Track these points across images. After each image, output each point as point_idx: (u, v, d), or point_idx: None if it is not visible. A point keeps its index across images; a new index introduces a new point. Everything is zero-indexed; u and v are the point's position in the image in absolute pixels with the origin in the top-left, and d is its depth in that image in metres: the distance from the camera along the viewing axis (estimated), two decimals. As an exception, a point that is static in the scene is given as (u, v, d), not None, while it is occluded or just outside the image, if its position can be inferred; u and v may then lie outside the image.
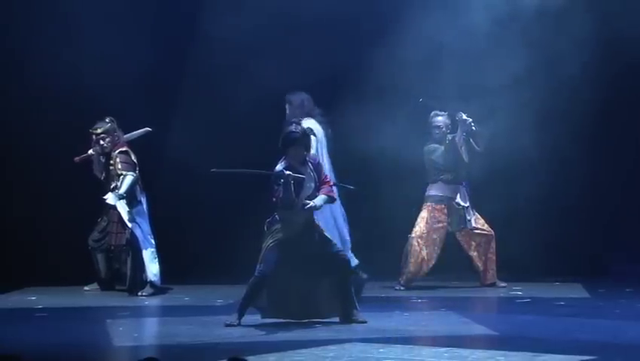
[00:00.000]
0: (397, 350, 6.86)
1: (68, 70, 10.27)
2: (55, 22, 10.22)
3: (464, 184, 10.05)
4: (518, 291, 9.81)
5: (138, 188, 9.69)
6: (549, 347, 6.85)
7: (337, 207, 8.65)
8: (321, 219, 8.13)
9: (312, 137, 8.61)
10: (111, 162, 9.71)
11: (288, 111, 8.82)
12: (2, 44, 10.32)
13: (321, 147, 8.72)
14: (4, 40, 10.30)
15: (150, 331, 7.94)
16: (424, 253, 9.92)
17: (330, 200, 7.94)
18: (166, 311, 8.86)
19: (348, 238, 8.77)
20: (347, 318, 7.88)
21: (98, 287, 9.96)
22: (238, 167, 8.20)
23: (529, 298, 9.42)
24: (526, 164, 10.12)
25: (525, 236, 10.49)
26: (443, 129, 10.02)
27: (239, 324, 7.77)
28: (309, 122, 8.71)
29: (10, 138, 10.46)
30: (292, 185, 7.73)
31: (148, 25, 10.40)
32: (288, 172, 7.74)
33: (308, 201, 7.83)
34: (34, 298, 9.38)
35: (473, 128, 9.88)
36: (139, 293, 9.54)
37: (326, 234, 7.91)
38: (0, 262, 10.13)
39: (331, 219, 8.60)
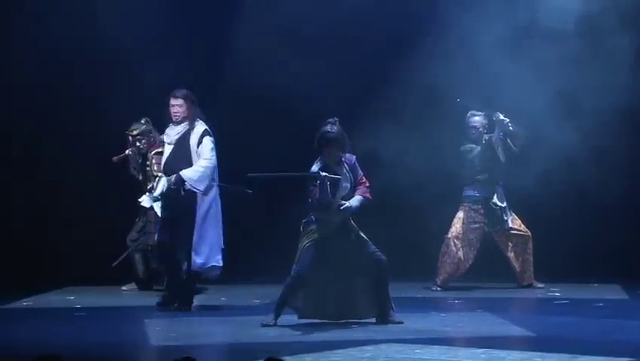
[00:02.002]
0: (434, 351, 6.86)
1: (102, 69, 10.38)
2: (91, 23, 10.34)
3: (500, 184, 10.04)
4: (556, 292, 9.76)
5: (174, 188, 9.75)
6: (587, 349, 6.83)
7: (219, 207, 8.83)
8: (211, 216, 8.47)
9: (210, 137, 8.56)
10: (147, 162, 9.80)
11: (187, 109, 8.55)
12: (45, 46, 10.43)
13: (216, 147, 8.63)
14: (47, 42, 10.41)
15: (187, 331, 7.99)
16: (460, 253, 9.91)
17: (366, 201, 7.96)
18: (202, 311, 8.91)
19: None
20: (383, 319, 7.90)
21: (136, 287, 10.05)
22: (272, 170, 8.26)
23: (567, 299, 9.38)
24: (564, 163, 10.07)
25: (562, 237, 10.43)
26: (480, 129, 10.00)
27: (275, 324, 7.81)
28: (201, 124, 8.62)
29: (52, 139, 10.60)
30: (328, 186, 7.77)
31: (183, 25, 10.51)
32: (324, 173, 7.78)
33: (344, 202, 7.86)
34: (72, 298, 9.48)
35: (511, 128, 9.86)
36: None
37: (361, 234, 7.94)
38: (39, 262, 10.26)
39: (217, 217, 8.77)
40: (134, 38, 10.08)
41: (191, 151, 8.56)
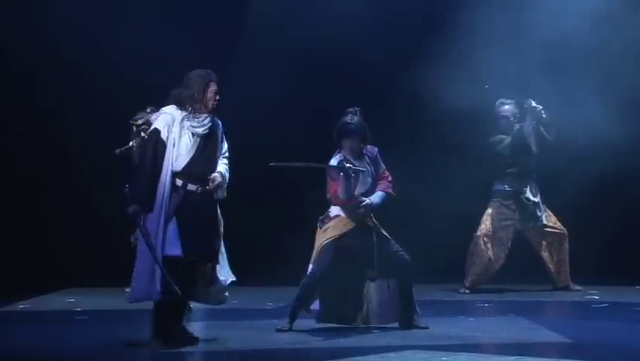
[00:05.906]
0: (462, 358, 6.84)
1: (108, 60, 10.42)
2: (99, 16, 10.41)
3: (533, 177, 9.97)
4: (594, 295, 9.73)
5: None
6: (628, 356, 6.81)
7: None
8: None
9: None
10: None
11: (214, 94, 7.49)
12: (47, 39, 10.49)
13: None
14: (49, 35, 10.47)
15: (196, 336, 7.97)
16: (490, 252, 9.86)
17: (389, 197, 7.91)
18: (212, 315, 8.90)
19: None
20: (407, 323, 7.86)
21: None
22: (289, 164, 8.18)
23: (607, 302, 9.35)
24: (606, 159, 10.01)
25: (602, 235, 10.38)
26: (511, 119, 9.96)
27: (290, 329, 7.78)
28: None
29: (55, 135, 10.66)
30: (352, 179, 7.72)
31: (190, 15, 10.55)
32: (348, 165, 7.73)
33: (364, 199, 7.81)
34: (72, 300, 9.52)
35: (544, 115, 9.79)
36: (184, 296, 9.60)
37: (383, 232, 7.89)
38: (39, 263, 10.31)
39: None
40: (140, 29, 10.12)
41: (217, 148, 7.59)
